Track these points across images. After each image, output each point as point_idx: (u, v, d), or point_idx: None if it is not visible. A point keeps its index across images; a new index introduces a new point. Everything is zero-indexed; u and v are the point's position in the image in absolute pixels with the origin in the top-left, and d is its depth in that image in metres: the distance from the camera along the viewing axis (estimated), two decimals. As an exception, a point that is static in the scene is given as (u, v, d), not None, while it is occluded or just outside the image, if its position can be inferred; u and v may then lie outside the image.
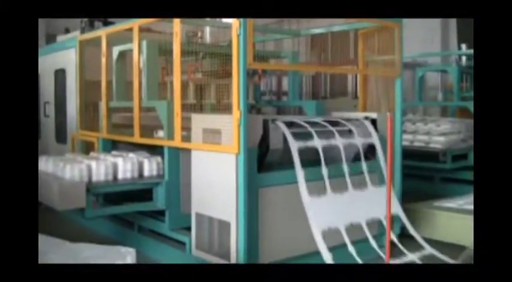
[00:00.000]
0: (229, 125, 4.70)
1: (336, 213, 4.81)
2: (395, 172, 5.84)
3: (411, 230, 5.40)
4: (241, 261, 4.71)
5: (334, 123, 5.43)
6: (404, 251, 4.78)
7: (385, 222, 5.02)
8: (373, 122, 5.80)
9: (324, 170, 4.92)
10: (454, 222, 5.82)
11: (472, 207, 6.13)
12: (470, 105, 9.17)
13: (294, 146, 4.85)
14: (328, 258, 4.39)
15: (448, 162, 8.30)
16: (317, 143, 4.96)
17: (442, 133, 8.52)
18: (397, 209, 5.40)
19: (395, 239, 5.15)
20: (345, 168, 5.02)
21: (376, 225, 5.43)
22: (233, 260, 4.79)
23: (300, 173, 4.80)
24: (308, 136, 5.06)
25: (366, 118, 5.81)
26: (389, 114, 4.19)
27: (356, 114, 6.12)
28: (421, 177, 8.81)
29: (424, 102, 10.92)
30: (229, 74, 4.83)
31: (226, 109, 5.06)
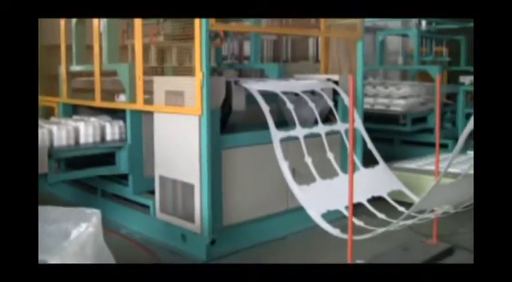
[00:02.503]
0: (192, 86, 4.68)
1: (332, 197, 4.79)
2: (357, 135, 5.91)
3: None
4: (205, 222, 4.75)
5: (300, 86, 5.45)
6: (371, 209, 4.86)
7: (389, 199, 5.09)
8: (335, 84, 5.83)
9: (300, 131, 4.92)
10: (414, 182, 5.93)
11: (431, 167, 6.26)
12: (429, 69, 9.28)
13: (266, 108, 4.84)
14: (336, 232, 4.40)
15: (408, 125, 8.43)
16: (289, 105, 4.97)
17: (402, 96, 8.63)
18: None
19: (365, 203, 5.21)
20: (302, 133, 5.01)
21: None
22: (197, 222, 4.83)
23: (275, 135, 4.77)
24: (274, 98, 5.08)
25: (328, 80, 5.84)
26: (351, 76, 4.21)
27: (318, 76, 6.15)
28: (382, 140, 8.90)
29: (384, 66, 11.00)
30: (191, 37, 4.80)
31: (188, 72, 5.03)
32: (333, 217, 4.58)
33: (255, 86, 4.97)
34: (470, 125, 4.03)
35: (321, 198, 4.65)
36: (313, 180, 4.72)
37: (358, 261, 4.49)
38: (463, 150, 7.86)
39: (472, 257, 4.85)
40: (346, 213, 4.30)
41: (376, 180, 5.27)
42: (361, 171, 5.29)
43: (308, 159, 4.75)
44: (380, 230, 4.24)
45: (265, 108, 4.80)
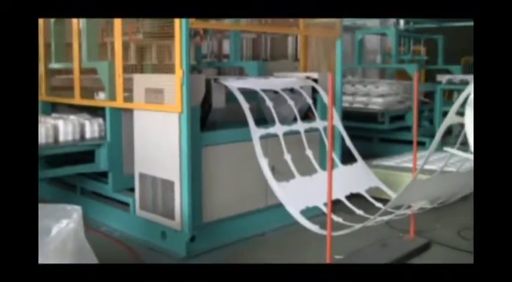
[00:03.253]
0: (172, 84, 4.70)
1: (311, 194, 4.84)
2: (335, 133, 5.96)
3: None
4: (186, 219, 4.77)
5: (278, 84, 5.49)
6: (349, 205, 4.91)
7: (367, 195, 5.16)
8: (315, 82, 5.88)
9: (279, 128, 4.96)
10: (392, 178, 6.01)
11: (409, 165, 6.33)
12: (407, 68, 9.38)
13: (246, 105, 4.88)
14: (315, 228, 4.45)
15: (386, 123, 8.54)
16: (268, 103, 5.01)
17: (380, 95, 8.72)
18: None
19: (343, 199, 5.27)
20: (281, 131, 5.05)
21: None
22: (177, 219, 4.85)
23: (255, 132, 4.80)
24: (254, 96, 5.11)
25: (307, 78, 5.89)
26: (330, 74, 4.26)
27: (298, 74, 6.20)
28: (360, 138, 8.99)
29: (363, 64, 11.10)
30: (170, 35, 4.81)
31: (168, 70, 5.05)
32: (312, 214, 4.64)
33: (234, 84, 5.01)
34: (446, 123, 4.11)
35: (300, 194, 4.69)
36: (293, 177, 4.77)
37: (337, 257, 4.55)
38: (440, 148, 7.98)
39: (449, 251, 4.99)
40: (325, 209, 4.36)
41: (355, 177, 5.33)
42: (340, 168, 5.35)
43: (287, 156, 4.80)
44: (358, 226, 4.31)
45: (245, 105, 4.83)
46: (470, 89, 3.74)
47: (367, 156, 7.12)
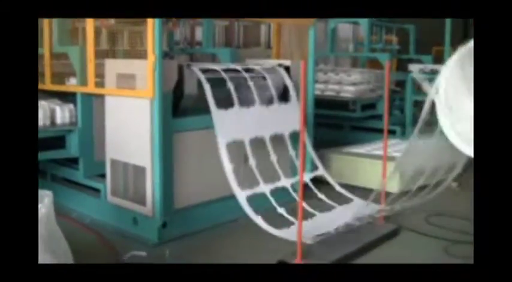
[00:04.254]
0: (144, 70, 4.68)
1: (242, 126, 4.97)
2: (308, 119, 6.00)
3: (323, 172, 5.62)
4: (157, 205, 4.77)
5: (249, 70, 5.50)
6: (316, 191, 4.97)
7: (288, 140, 5.28)
8: (287, 69, 5.90)
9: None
10: (362, 166, 6.07)
11: (379, 152, 6.40)
12: (379, 57, 9.44)
13: (207, 86, 4.93)
14: (257, 219, 4.51)
15: (358, 111, 8.59)
16: (230, 85, 5.06)
17: (352, 83, 8.77)
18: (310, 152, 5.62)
19: (308, 181, 5.33)
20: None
21: (290, 171, 5.63)
22: (148, 205, 4.84)
23: (216, 113, 4.89)
24: (223, 82, 5.12)
25: (280, 65, 5.91)
26: (303, 61, 4.28)
27: (270, 62, 6.21)
28: (332, 126, 9.08)
29: (335, 53, 11.13)
30: (143, 21, 4.79)
31: (140, 56, 5.03)
32: (285, 199, 4.67)
33: (198, 66, 5.06)
34: (423, 113, 4.17)
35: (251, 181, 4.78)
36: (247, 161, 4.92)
37: (308, 242, 4.59)
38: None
39: (417, 237, 5.06)
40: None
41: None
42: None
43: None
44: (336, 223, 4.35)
45: (207, 86, 4.87)
46: (440, 80, 3.80)
47: (339, 143, 7.20)
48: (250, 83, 5.24)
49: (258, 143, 5.09)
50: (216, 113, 4.88)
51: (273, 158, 5.22)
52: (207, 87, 4.89)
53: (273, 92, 5.48)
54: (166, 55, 6.74)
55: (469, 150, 3.72)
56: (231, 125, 4.94)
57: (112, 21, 6.03)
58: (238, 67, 5.45)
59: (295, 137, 5.30)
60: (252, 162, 4.95)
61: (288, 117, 5.44)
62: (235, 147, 4.94)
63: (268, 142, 5.20)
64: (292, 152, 5.48)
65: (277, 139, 5.33)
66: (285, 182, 5.20)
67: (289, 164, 5.63)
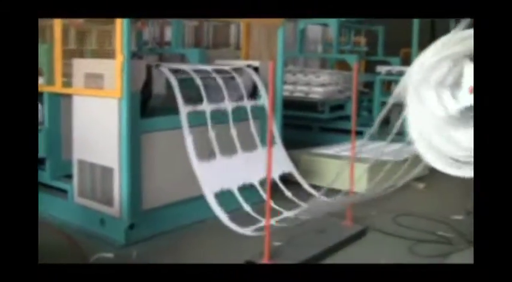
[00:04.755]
0: (112, 69, 4.65)
1: (227, 176, 4.91)
2: (277, 119, 6.03)
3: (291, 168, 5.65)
4: (124, 206, 4.75)
5: (219, 71, 5.51)
6: (285, 191, 4.98)
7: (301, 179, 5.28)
8: (256, 70, 5.92)
9: (207, 106, 5.03)
10: (330, 167, 6.11)
11: (347, 153, 6.45)
12: (348, 58, 9.51)
13: (175, 83, 4.92)
14: (225, 219, 4.52)
15: (326, 112, 8.65)
16: (198, 82, 5.06)
17: (320, 84, 8.82)
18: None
19: (277, 181, 5.35)
20: (209, 108, 5.11)
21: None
22: (116, 206, 4.81)
23: (183, 108, 4.88)
24: (193, 82, 5.12)
25: (249, 66, 5.92)
26: (271, 62, 4.30)
27: (239, 62, 6.22)
28: (301, 127, 9.12)
29: (304, 54, 11.19)
30: (111, 21, 4.76)
31: (108, 55, 5.00)
32: (254, 200, 4.68)
33: (167, 66, 5.04)
34: (382, 113, 4.22)
35: (218, 176, 4.77)
36: (214, 157, 4.87)
37: (276, 244, 4.61)
38: (380, 137, 8.16)
39: (384, 237, 5.12)
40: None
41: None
42: (259, 150, 5.46)
43: (211, 134, 4.96)
44: (303, 219, 4.38)
45: (174, 83, 4.86)
46: (406, 81, 3.83)
47: (308, 144, 7.24)
48: (220, 82, 5.25)
49: (225, 140, 5.10)
50: (183, 109, 4.88)
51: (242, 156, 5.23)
52: (176, 89, 4.87)
53: (243, 91, 5.49)
54: (134, 55, 6.71)
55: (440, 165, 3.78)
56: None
57: (81, 19, 5.98)
58: (208, 67, 5.45)
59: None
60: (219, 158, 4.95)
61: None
62: (204, 143, 4.94)
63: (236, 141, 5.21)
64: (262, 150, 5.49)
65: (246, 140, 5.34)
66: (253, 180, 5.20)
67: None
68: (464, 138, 3.75)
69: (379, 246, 4.97)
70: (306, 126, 9.07)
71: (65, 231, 5.02)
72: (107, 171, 4.86)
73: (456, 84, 3.74)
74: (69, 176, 5.39)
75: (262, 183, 5.08)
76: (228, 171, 4.96)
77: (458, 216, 5.82)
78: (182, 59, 7.58)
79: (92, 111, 4.97)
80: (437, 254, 4.73)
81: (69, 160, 5.30)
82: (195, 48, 8.65)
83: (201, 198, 5.29)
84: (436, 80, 3.71)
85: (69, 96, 5.23)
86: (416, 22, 9.74)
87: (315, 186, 5.18)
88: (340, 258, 4.65)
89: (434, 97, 3.73)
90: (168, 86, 5.02)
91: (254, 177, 5.04)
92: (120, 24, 4.56)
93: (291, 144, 5.69)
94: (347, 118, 8.80)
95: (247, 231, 4.53)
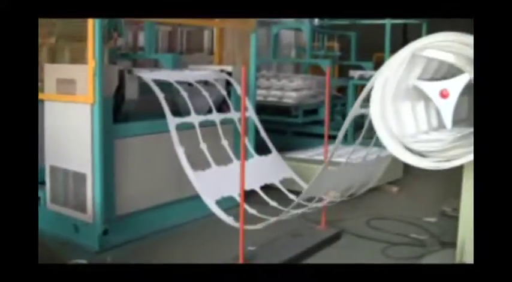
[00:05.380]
0: (84, 75, 4.62)
1: (226, 183, 4.87)
2: (250, 124, 6.03)
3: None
4: (98, 212, 4.71)
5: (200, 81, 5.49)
6: (264, 196, 4.98)
7: (281, 186, 5.27)
8: (229, 75, 5.92)
9: (195, 118, 5.00)
10: (304, 171, 6.12)
11: (321, 157, 6.48)
12: (321, 63, 9.55)
13: (161, 95, 4.86)
14: (229, 220, 4.48)
15: (300, 116, 8.67)
16: (183, 93, 5.00)
17: (294, 89, 8.83)
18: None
19: (280, 186, 5.35)
20: (197, 120, 5.06)
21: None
22: (89, 212, 4.78)
23: (171, 121, 4.81)
24: (168, 88, 5.10)
25: (222, 71, 5.92)
26: (244, 67, 4.31)
27: (212, 67, 6.22)
28: (275, 131, 9.10)
29: (278, 58, 11.20)
30: (83, 38, 4.73)
31: (80, 61, 4.96)
32: (231, 204, 4.68)
33: (149, 75, 4.98)
34: (351, 116, 4.25)
35: (216, 184, 4.74)
36: (209, 166, 4.80)
37: (250, 248, 4.62)
38: (352, 142, 8.21)
39: (358, 240, 5.15)
40: (239, 200, 4.40)
41: (269, 168, 5.43)
42: (255, 159, 5.43)
43: (203, 145, 4.84)
44: (273, 219, 4.38)
45: (160, 95, 4.82)
46: (372, 83, 3.87)
47: (281, 149, 7.23)
48: (205, 93, 5.24)
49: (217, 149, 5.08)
50: (171, 121, 4.84)
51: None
52: (163, 101, 4.85)
53: (229, 102, 5.53)
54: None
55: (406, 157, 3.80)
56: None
57: (53, 39, 5.89)
58: (189, 77, 5.42)
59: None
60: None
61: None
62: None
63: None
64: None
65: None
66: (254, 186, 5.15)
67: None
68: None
69: (353, 249, 5.00)
70: (279, 130, 9.07)
71: (38, 238, 4.95)
72: (79, 177, 4.82)
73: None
74: (41, 183, 5.32)
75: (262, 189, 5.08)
76: (225, 179, 4.90)
77: (431, 218, 5.88)
78: (156, 64, 7.54)
79: (64, 117, 4.93)
80: (410, 256, 4.77)
81: (41, 166, 5.23)
82: (168, 54, 8.61)
83: (175, 203, 5.31)
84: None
85: (41, 102, 5.17)
86: (388, 27, 9.82)
87: (290, 191, 5.19)
88: (315, 261, 4.67)
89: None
90: (141, 90, 4.99)
91: (254, 184, 4.99)
92: (92, 29, 4.54)
93: (266, 148, 5.70)
94: (321, 122, 8.81)
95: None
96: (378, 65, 10.92)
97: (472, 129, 3.52)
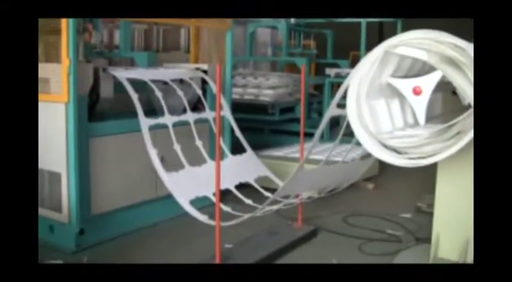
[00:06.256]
0: (59, 73, 4.59)
1: (200, 184, 4.87)
2: (225, 123, 6.04)
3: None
4: (73, 212, 4.68)
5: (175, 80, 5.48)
6: (239, 195, 4.99)
7: (255, 184, 5.28)
8: (205, 73, 5.91)
9: (169, 119, 4.98)
10: (280, 168, 6.14)
11: (297, 155, 6.50)
12: (297, 61, 9.58)
13: (134, 95, 4.84)
14: (204, 218, 4.48)
15: (276, 114, 8.68)
16: (158, 93, 4.99)
17: (270, 87, 8.85)
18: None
19: (254, 184, 5.39)
20: (170, 121, 5.06)
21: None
22: (64, 212, 4.74)
23: (144, 122, 4.80)
24: (143, 86, 5.08)
25: (197, 69, 5.92)
26: (219, 65, 4.30)
27: (187, 65, 6.21)
28: (252, 129, 9.12)
29: (254, 57, 11.21)
30: (57, 31, 4.69)
31: (54, 59, 4.91)
32: (203, 204, 4.68)
33: (123, 74, 4.95)
34: (328, 115, 4.27)
35: (190, 184, 4.74)
36: (182, 167, 4.80)
37: (227, 246, 4.62)
38: (329, 139, 8.25)
39: (335, 237, 5.18)
40: (214, 199, 4.41)
41: (244, 167, 5.44)
42: (229, 158, 5.43)
43: (177, 147, 4.83)
44: (246, 216, 4.39)
45: (134, 95, 4.80)
46: (348, 82, 3.89)
47: (258, 147, 7.26)
48: (179, 92, 5.22)
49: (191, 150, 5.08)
50: (144, 122, 4.82)
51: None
52: (138, 104, 4.83)
53: (196, 93, 5.50)
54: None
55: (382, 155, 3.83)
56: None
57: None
58: (164, 76, 5.40)
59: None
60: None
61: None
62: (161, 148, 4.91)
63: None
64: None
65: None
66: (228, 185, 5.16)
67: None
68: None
69: (330, 246, 5.02)
70: (256, 128, 9.08)
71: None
72: (54, 177, 4.78)
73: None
74: (15, 183, 5.28)
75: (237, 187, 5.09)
76: (199, 179, 4.90)
77: (407, 214, 5.93)
78: (132, 62, 7.51)
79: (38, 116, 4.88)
80: (387, 252, 4.80)
81: (16, 166, 5.20)
82: (144, 52, 8.59)
83: (151, 202, 5.30)
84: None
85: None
86: (364, 25, 9.88)
87: (266, 188, 5.21)
88: (292, 259, 4.68)
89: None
90: (117, 89, 4.97)
91: (229, 183, 4.99)
92: (66, 28, 4.50)
93: (242, 146, 5.71)
94: (297, 120, 8.81)
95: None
96: (354, 63, 10.98)
97: (446, 125, 3.55)
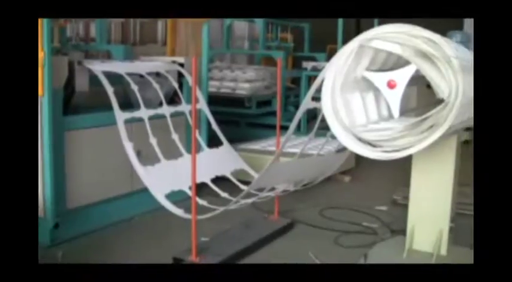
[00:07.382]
0: (32, 66, 4.54)
1: (176, 177, 4.85)
2: (202, 116, 6.03)
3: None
4: (48, 206, 4.64)
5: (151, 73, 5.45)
6: (215, 188, 4.99)
7: (232, 178, 5.28)
8: (182, 66, 5.89)
9: (144, 112, 4.95)
10: (257, 162, 6.15)
11: (274, 148, 6.51)
12: (274, 54, 9.59)
13: (110, 89, 4.79)
14: (179, 212, 4.47)
15: (253, 107, 8.70)
16: (133, 87, 4.95)
17: (247, 80, 8.86)
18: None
19: (230, 177, 5.37)
20: (146, 114, 5.03)
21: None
22: (40, 206, 4.70)
23: (119, 116, 4.76)
24: (120, 79, 5.05)
25: (174, 62, 5.90)
26: (194, 58, 4.29)
27: (164, 58, 6.18)
28: (229, 122, 9.12)
29: (231, 50, 11.19)
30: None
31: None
32: (179, 197, 4.67)
33: (98, 67, 4.92)
34: (303, 108, 4.28)
35: (165, 178, 4.72)
36: (158, 161, 4.78)
37: (203, 239, 4.63)
38: (305, 132, 8.28)
39: (311, 229, 5.21)
40: (190, 193, 4.40)
41: (220, 160, 5.44)
42: (205, 152, 5.43)
43: (153, 140, 4.81)
44: (221, 209, 4.39)
45: (109, 88, 4.77)
46: (323, 75, 3.90)
47: (235, 140, 7.27)
48: (155, 85, 5.20)
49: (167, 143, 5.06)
50: (120, 116, 4.79)
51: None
52: (113, 98, 4.79)
53: (172, 86, 5.48)
54: (58, 52, 6.58)
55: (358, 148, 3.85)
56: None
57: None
58: (140, 69, 5.37)
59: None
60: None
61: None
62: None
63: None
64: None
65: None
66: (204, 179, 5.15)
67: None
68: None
69: (306, 239, 5.05)
70: (233, 121, 9.09)
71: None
72: (29, 171, 4.74)
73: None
74: (-11, 177, 5.23)
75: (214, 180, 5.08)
76: (175, 173, 4.88)
77: (383, 207, 5.98)
78: (109, 55, 7.47)
79: (12, 109, 4.83)
80: (362, 244, 4.84)
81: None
82: (120, 45, 8.55)
83: (127, 196, 5.28)
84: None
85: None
86: (340, 19, 9.90)
87: (242, 182, 5.21)
88: (268, 252, 4.70)
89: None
90: (93, 82, 4.93)
91: (205, 176, 4.98)
92: (40, 19, 4.46)
93: (218, 139, 5.71)
94: (274, 113, 8.85)
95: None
96: (331, 56, 10.97)
97: (420, 118, 3.58)
